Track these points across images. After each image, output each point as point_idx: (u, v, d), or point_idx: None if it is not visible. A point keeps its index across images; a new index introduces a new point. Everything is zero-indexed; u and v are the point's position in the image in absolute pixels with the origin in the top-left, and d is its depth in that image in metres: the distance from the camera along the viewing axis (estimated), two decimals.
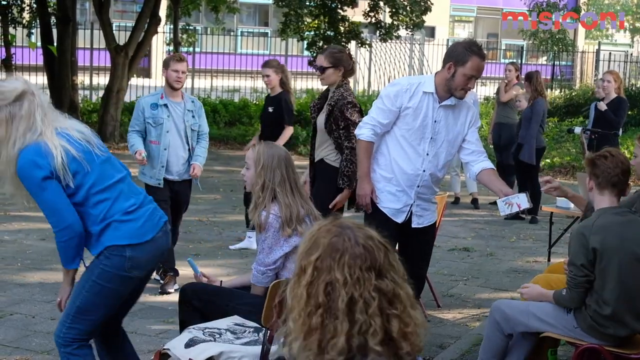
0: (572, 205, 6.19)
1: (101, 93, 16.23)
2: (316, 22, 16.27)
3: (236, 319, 4.07)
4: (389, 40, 16.98)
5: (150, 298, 6.24)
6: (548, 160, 13.93)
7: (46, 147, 3.50)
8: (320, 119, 5.88)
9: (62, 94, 15.52)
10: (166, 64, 6.41)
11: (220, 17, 22.96)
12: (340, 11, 15.92)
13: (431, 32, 28.09)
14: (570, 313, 4.12)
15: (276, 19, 25.90)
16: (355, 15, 16.72)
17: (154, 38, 16.75)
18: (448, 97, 4.76)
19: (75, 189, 3.57)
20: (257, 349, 3.74)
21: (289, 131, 7.56)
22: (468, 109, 4.92)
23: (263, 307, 3.78)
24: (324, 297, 2.03)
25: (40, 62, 15.83)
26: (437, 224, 5.31)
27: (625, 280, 3.94)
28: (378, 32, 16.50)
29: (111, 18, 16.63)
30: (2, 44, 16.96)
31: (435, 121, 4.79)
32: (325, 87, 6.02)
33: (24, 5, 17.70)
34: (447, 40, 24.20)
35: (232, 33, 26.38)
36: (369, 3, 16.05)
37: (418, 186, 4.88)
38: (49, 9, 16.42)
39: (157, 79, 17.17)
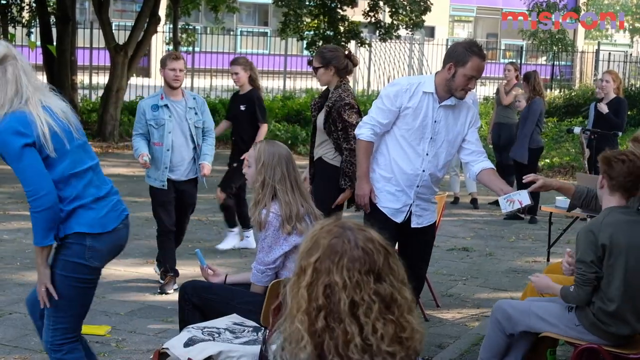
0: None
1: (101, 92, 16.24)
2: (316, 21, 16.28)
3: (235, 318, 4.07)
4: (389, 40, 17.00)
5: (149, 297, 6.24)
6: (547, 160, 13.94)
7: (31, 117, 3.45)
8: (320, 119, 5.86)
9: (62, 94, 15.47)
10: (163, 63, 6.36)
11: (219, 17, 23.00)
12: (339, 11, 15.93)
13: (431, 32, 28.11)
14: (572, 311, 4.13)
15: (276, 18, 25.90)
16: (354, 15, 16.73)
17: (154, 37, 16.76)
18: (448, 97, 4.76)
19: (52, 164, 3.50)
20: (256, 348, 3.74)
21: (264, 129, 7.51)
22: (468, 109, 4.91)
23: (262, 306, 3.78)
24: (324, 300, 2.02)
25: (40, 61, 15.83)
26: (436, 224, 5.30)
27: (631, 279, 3.97)
28: (378, 31, 16.51)
29: (111, 17, 16.65)
30: None
31: (435, 121, 4.78)
32: (324, 87, 6.00)
33: (23, 5, 17.72)
34: (447, 40, 24.22)
35: (231, 32, 26.40)
36: (368, 3, 16.06)
37: (417, 186, 4.88)
38: (49, 9, 16.45)
39: (157, 78, 17.16)
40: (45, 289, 3.61)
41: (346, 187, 5.70)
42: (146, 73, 22.60)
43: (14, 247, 7.59)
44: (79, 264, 3.62)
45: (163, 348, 3.89)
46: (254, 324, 3.99)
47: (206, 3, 21.40)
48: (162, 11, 18.63)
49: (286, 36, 17.15)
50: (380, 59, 22.92)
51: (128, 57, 14.97)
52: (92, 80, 19.01)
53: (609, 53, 24.81)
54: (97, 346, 5.14)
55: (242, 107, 7.45)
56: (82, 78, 18.21)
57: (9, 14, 17.26)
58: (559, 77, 24.44)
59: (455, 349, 5.31)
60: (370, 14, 16.01)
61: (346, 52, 5.90)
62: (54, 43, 15.13)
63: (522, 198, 4.52)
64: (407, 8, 15.84)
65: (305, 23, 16.31)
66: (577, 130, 9.39)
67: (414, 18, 16.00)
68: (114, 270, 6.83)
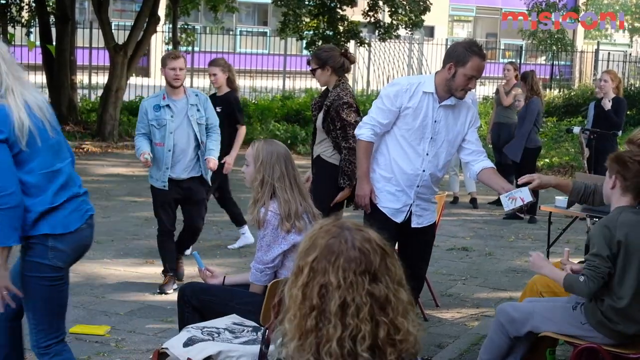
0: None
1: (100, 92, 16.22)
2: (315, 21, 16.28)
3: (235, 318, 4.07)
4: (388, 40, 17.00)
5: (149, 297, 6.24)
6: (547, 160, 13.94)
7: (10, 112, 3.40)
8: (319, 118, 5.87)
9: (61, 93, 15.54)
10: (163, 63, 6.34)
11: (219, 17, 22.98)
12: (339, 10, 15.93)
13: (430, 31, 28.11)
14: (578, 309, 4.13)
15: (275, 18, 25.89)
16: (354, 14, 16.73)
17: (153, 37, 16.74)
18: (448, 97, 4.76)
19: (23, 162, 3.45)
20: (256, 348, 3.74)
21: (243, 130, 7.47)
22: (468, 109, 4.92)
23: (262, 306, 3.78)
24: (318, 300, 2.02)
25: (39, 61, 15.82)
26: (436, 224, 5.30)
27: None
28: (377, 31, 16.51)
29: (110, 17, 16.63)
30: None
31: (435, 121, 4.78)
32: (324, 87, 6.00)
33: (23, 4, 17.71)
34: (446, 39, 24.21)
35: (231, 32, 26.38)
36: (368, 2, 16.06)
37: (418, 186, 4.88)
38: (48, 8, 16.44)
39: (156, 78, 17.15)
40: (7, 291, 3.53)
41: (345, 186, 5.71)
42: (146, 73, 22.60)
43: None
44: (42, 264, 3.58)
45: (162, 348, 3.89)
46: (253, 323, 3.99)
47: (205, 3, 21.38)
48: (162, 11, 18.62)
49: (285, 36, 17.15)
50: (380, 59, 22.92)
51: (127, 56, 14.96)
52: (91, 80, 18.99)
53: (609, 53, 24.83)
54: (96, 346, 5.15)
55: (219, 109, 7.07)
56: (81, 78, 18.20)
57: (9, 13, 17.25)
58: (558, 77, 24.45)
59: (454, 349, 5.32)
60: (369, 13, 16.02)
61: (342, 51, 5.89)
62: (54, 43, 15.12)
63: (524, 195, 4.52)
64: (407, 8, 15.85)
65: (304, 23, 16.32)
66: (576, 130, 9.38)
67: (414, 18, 16.01)
68: (114, 270, 6.83)
